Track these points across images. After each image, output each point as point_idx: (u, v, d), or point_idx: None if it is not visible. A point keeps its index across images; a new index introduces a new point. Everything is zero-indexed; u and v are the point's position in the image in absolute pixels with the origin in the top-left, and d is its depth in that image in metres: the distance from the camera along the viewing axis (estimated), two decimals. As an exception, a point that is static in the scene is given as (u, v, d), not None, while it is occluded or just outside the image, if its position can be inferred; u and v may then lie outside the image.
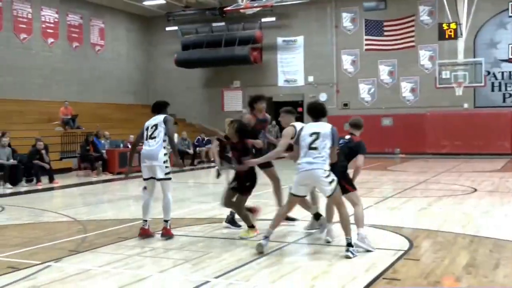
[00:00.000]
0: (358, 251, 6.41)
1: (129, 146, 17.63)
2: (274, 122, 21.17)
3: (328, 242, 7.11)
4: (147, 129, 7.77)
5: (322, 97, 26.03)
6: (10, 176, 15.29)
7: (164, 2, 26.75)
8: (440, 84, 22.25)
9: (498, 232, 7.75)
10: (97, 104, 25.77)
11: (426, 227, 8.14)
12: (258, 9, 24.42)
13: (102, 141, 19.48)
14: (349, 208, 6.69)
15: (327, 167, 6.39)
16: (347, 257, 6.26)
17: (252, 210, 7.97)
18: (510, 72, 24.03)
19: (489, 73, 23.82)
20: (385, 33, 25.61)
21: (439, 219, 9.01)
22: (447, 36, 21.33)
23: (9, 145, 16.14)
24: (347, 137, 7.03)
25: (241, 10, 25.20)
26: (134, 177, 13.32)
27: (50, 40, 24.34)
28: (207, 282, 5.48)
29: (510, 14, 24.02)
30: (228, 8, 25.28)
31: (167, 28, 29.07)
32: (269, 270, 5.98)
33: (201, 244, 7.25)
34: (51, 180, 15.99)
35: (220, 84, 28.90)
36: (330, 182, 6.38)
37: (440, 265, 6.01)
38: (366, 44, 26.01)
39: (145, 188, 7.86)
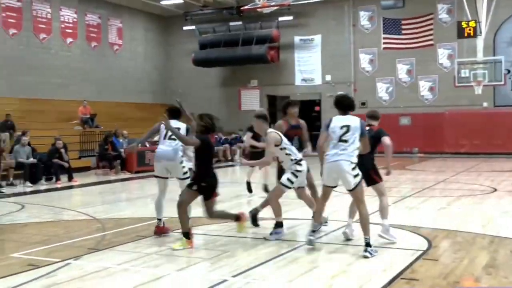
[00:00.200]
0: (376, 251, 6.38)
1: (147, 146, 17.72)
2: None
3: (348, 239, 7.14)
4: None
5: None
6: (30, 175, 15.48)
7: (182, 1, 26.85)
8: (459, 83, 21.99)
9: (518, 233, 7.65)
10: (115, 103, 25.96)
11: (445, 227, 8.07)
12: (275, 8, 24.32)
13: (120, 140, 19.61)
14: (370, 206, 6.66)
15: (355, 160, 6.43)
16: (365, 257, 6.25)
17: (239, 218, 7.36)
18: (530, 70, 23.74)
19: (509, 71, 23.48)
20: (403, 32, 25.40)
21: (458, 219, 8.94)
22: (466, 34, 21.13)
23: (29, 144, 16.36)
24: (367, 128, 7.04)
25: (258, 9, 25.12)
26: (150, 176, 13.36)
27: (69, 40, 24.55)
28: (225, 280, 5.48)
29: (530, 12, 23.73)
30: (245, 7, 25.26)
31: (185, 28, 29.17)
32: (286, 269, 5.97)
33: (218, 243, 7.27)
34: (70, 178, 16.15)
35: (237, 83, 28.91)
36: (355, 176, 6.41)
37: (459, 265, 5.96)
38: (384, 43, 25.82)
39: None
